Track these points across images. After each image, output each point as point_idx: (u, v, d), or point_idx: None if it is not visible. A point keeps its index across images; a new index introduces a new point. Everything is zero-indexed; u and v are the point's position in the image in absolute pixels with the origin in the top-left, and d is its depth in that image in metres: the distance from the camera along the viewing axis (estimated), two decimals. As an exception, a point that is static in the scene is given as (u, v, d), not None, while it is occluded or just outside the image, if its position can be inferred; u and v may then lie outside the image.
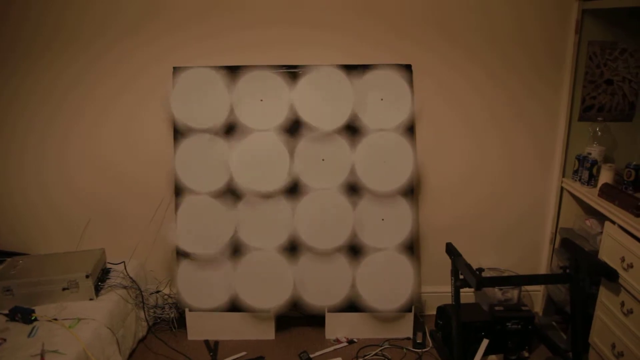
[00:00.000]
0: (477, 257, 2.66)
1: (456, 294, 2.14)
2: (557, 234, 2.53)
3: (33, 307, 2.03)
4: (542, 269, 2.67)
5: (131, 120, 2.47)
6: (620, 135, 2.46)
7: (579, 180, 2.41)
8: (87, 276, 2.10)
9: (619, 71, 2.41)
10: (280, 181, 2.34)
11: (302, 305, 2.41)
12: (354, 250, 2.40)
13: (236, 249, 2.40)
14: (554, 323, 2.55)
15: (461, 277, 2.13)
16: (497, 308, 2.32)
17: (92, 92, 2.43)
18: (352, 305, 2.42)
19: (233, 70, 2.35)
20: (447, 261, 2.57)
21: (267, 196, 2.36)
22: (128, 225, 2.57)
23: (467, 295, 2.63)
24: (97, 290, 2.17)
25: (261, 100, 2.35)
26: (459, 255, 2.14)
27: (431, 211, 2.58)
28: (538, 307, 2.69)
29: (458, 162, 2.55)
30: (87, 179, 2.53)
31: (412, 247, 2.42)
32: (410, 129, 2.37)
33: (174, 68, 2.36)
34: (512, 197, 2.60)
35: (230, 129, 2.36)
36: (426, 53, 2.39)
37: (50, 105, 2.44)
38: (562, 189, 2.51)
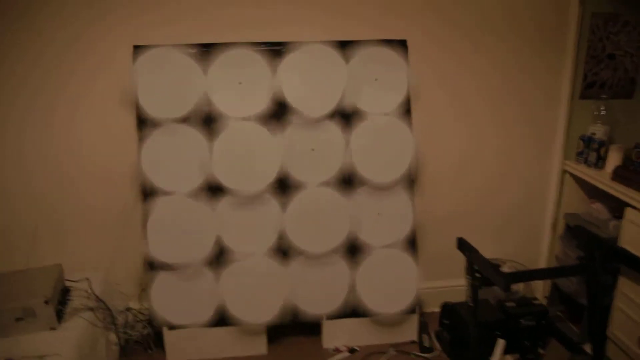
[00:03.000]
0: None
1: (474, 294, 1.95)
2: (562, 219, 2.39)
3: (-21, 345, 1.66)
4: (543, 257, 2.53)
5: (86, 111, 2.09)
6: (620, 113, 2.34)
7: (585, 162, 2.27)
8: (46, 302, 1.73)
9: (621, 45, 2.27)
10: (267, 176, 2.05)
11: (296, 314, 2.15)
12: (352, 250, 2.16)
13: (220, 256, 2.10)
14: (559, 314, 2.43)
15: (477, 275, 1.94)
16: (508, 304, 2.15)
17: (42, 81, 2.04)
18: (351, 311, 2.18)
19: (205, 49, 2.03)
20: (446, 254, 2.39)
21: (253, 194, 2.07)
22: (85, 233, 2.20)
23: (461, 289, 2.46)
24: (59, 316, 1.80)
25: (240, 83, 2.04)
26: (475, 251, 1.95)
27: (426, 200, 2.37)
28: (539, 296, 2.56)
29: (453, 146, 2.36)
30: (34, 180, 2.13)
31: (413, 243, 2.20)
32: (406, 112, 2.14)
33: (135, 47, 2.00)
34: (509, 182, 2.43)
35: (206, 118, 2.04)
36: (418, 30, 2.16)
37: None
38: (563, 172, 2.37)
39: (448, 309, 2.25)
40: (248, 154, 2.04)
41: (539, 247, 2.54)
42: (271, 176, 2.05)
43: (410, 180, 2.16)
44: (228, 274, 2.08)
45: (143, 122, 2.02)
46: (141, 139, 2.02)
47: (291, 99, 2.05)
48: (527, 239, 2.53)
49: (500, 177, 2.42)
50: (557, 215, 2.42)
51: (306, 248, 2.10)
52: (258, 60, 2.03)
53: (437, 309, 2.39)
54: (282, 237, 2.10)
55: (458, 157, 2.36)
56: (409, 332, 2.27)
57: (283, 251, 2.12)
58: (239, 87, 2.03)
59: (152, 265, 2.06)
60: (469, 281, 1.95)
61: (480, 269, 1.91)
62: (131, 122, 2.08)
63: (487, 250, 2.55)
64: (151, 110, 1.99)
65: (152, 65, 1.98)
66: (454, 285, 2.48)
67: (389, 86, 2.10)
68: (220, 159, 2.03)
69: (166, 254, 2.05)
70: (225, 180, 2.03)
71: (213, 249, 2.07)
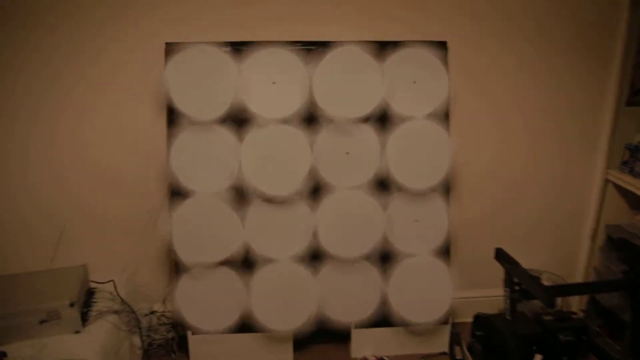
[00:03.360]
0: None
1: (512, 308, 1.86)
2: (603, 230, 2.29)
3: (2, 348, 1.62)
4: (581, 269, 2.43)
5: (118, 111, 2.04)
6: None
7: (630, 172, 2.17)
8: (71, 304, 1.68)
9: (671, 50, 2.17)
10: (299, 180, 1.98)
11: (325, 322, 2.08)
12: (385, 257, 2.08)
13: (247, 260, 2.04)
14: (597, 329, 2.33)
15: (517, 287, 1.85)
16: (546, 317, 2.06)
17: (74, 85, 2.00)
18: (381, 320, 2.11)
19: (239, 47, 1.96)
20: (479, 263, 2.31)
21: (283, 197, 2.00)
22: (112, 233, 2.14)
23: (495, 299, 2.37)
24: (84, 319, 1.76)
25: (274, 84, 1.97)
26: (515, 262, 1.86)
27: (460, 207, 2.28)
28: (575, 309, 2.47)
29: (490, 152, 2.27)
30: (63, 180, 2.08)
31: (448, 251, 2.12)
32: (444, 116, 2.06)
33: (167, 44, 1.94)
34: (547, 190, 2.33)
35: (237, 118, 1.98)
36: (457, 32, 2.08)
37: (31, 102, 2.00)
38: (606, 181, 2.27)
39: (482, 320, 2.16)
40: (280, 155, 1.97)
41: (577, 259, 2.44)
42: (303, 179, 1.98)
43: (446, 187, 2.08)
44: (255, 279, 2.02)
45: (174, 122, 1.96)
46: (171, 139, 1.96)
47: (326, 101, 1.97)
48: (564, 250, 2.43)
49: (537, 186, 2.33)
50: (598, 226, 2.32)
51: (338, 253, 2.03)
52: (293, 60, 1.96)
53: (468, 319, 2.30)
54: (312, 242, 2.03)
55: (495, 164, 2.27)
56: (440, 343, 2.19)
57: (313, 256, 2.05)
58: (272, 87, 1.97)
59: (177, 268, 2.01)
60: (507, 294, 1.87)
61: (521, 282, 1.83)
62: (160, 122, 2.02)
63: (522, 260, 2.46)
64: (184, 109, 1.93)
65: (185, 63, 1.92)
66: (487, 295, 2.40)
67: (428, 89, 2.02)
68: (250, 160, 1.97)
69: (192, 257, 1.99)
70: (255, 182, 1.97)
71: (241, 253, 2.01)
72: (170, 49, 1.93)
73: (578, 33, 2.15)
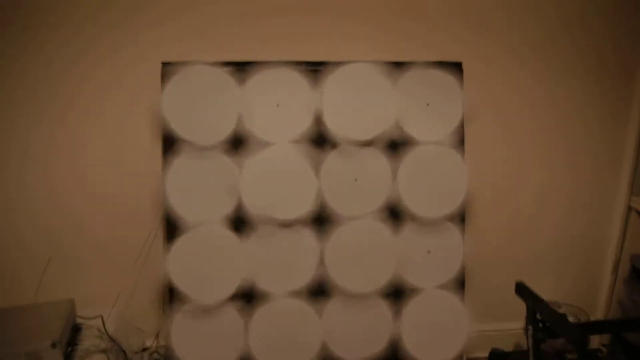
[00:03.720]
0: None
1: (536, 348, 1.71)
2: (627, 261, 2.16)
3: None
4: (602, 301, 2.29)
5: (113, 132, 1.91)
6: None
7: (655, 199, 2.05)
8: (53, 345, 1.53)
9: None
10: (304, 207, 1.84)
11: (330, 361, 1.93)
12: (396, 291, 1.94)
13: (248, 295, 1.89)
14: (622, 367, 2.18)
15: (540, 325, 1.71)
16: (569, 356, 1.92)
17: (67, 106, 1.87)
18: (391, 358, 1.96)
19: (240, 68, 1.84)
20: (492, 294, 2.18)
21: (287, 226, 1.86)
22: (103, 264, 1.99)
23: (510, 333, 2.23)
24: (68, 361, 1.61)
25: (277, 106, 1.85)
26: (538, 298, 1.72)
27: (473, 236, 2.14)
28: (595, 344, 2.32)
29: (505, 179, 2.14)
30: (50, 207, 1.94)
31: (463, 284, 1.98)
32: (459, 141, 1.93)
33: (163, 64, 1.82)
34: (566, 218, 2.21)
35: (238, 142, 1.85)
36: (474, 53, 1.97)
37: (22, 123, 1.87)
38: (629, 209, 2.14)
39: (498, 358, 2.02)
40: (283, 182, 1.84)
41: (598, 290, 2.30)
42: (308, 206, 1.84)
43: (461, 216, 1.94)
44: (256, 317, 1.87)
45: (169, 147, 1.83)
46: (167, 164, 1.83)
47: (333, 123, 1.85)
48: (584, 281, 2.29)
49: (554, 214, 2.20)
50: (620, 256, 2.18)
51: (346, 287, 1.88)
52: (298, 81, 1.84)
53: (481, 354, 2.15)
54: (318, 276, 1.89)
55: (510, 191, 2.14)
56: (454, 383, 2.04)
57: (319, 291, 1.91)
58: (276, 110, 1.84)
59: (172, 302, 1.86)
60: (529, 332, 1.72)
61: (545, 320, 1.68)
62: (156, 145, 1.90)
63: (539, 291, 2.33)
64: (181, 133, 1.80)
65: (183, 84, 1.79)
66: (501, 329, 2.25)
67: (442, 112, 1.90)
68: (251, 187, 1.83)
69: (189, 290, 1.85)
70: (256, 210, 1.83)
71: (241, 287, 1.87)
72: (167, 69, 1.81)
73: (598, 58, 2.05)
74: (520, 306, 2.23)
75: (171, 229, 1.84)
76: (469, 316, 1.95)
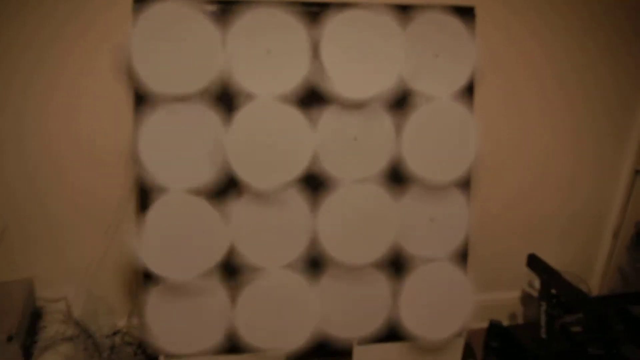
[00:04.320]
0: (520, 253, 2.15)
1: (550, 325, 1.60)
2: (632, 227, 2.06)
3: None
4: (599, 267, 2.21)
5: (75, 86, 1.62)
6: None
7: (666, 163, 1.95)
8: (9, 338, 1.30)
9: None
10: (297, 169, 1.63)
11: (324, 339, 1.76)
12: (396, 263, 1.78)
13: (233, 269, 1.68)
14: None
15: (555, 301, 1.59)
16: (574, 329, 1.82)
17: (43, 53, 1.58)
18: (387, 334, 1.82)
19: (225, 7, 1.57)
20: (490, 263, 2.07)
21: (277, 191, 1.65)
22: (66, 237, 1.73)
23: (505, 303, 2.14)
24: (28, 354, 1.37)
25: (268, 53, 1.60)
26: (554, 271, 1.59)
27: (475, 203, 2.00)
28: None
29: (511, 138, 1.98)
30: (5, 168, 1.66)
31: (465, 255, 1.83)
32: (469, 97, 1.74)
33: (135, 2, 1.52)
34: (567, 184, 2.08)
35: (223, 95, 1.60)
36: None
37: None
38: (636, 172, 2.03)
39: (498, 331, 1.91)
40: (274, 141, 1.61)
41: (596, 256, 2.21)
42: (301, 169, 1.63)
43: (467, 180, 1.78)
44: (243, 293, 1.67)
45: (142, 99, 1.56)
46: (138, 121, 1.56)
47: (332, 75, 1.62)
48: (582, 247, 2.20)
49: (558, 180, 2.07)
50: (622, 222, 2.09)
51: (342, 259, 1.70)
52: (292, 25, 1.58)
53: (479, 325, 2.05)
54: (311, 247, 1.70)
55: (512, 157, 1.99)
56: (453, 356, 1.92)
57: (312, 264, 1.72)
58: (266, 58, 1.59)
59: (147, 277, 1.64)
60: (543, 308, 1.60)
61: (561, 295, 1.56)
62: (127, 100, 1.62)
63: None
64: (153, 83, 1.52)
65: (156, 25, 1.51)
66: (499, 298, 2.15)
67: (452, 64, 1.69)
68: (238, 147, 1.59)
69: (166, 265, 1.62)
70: (243, 174, 1.60)
71: (225, 260, 1.66)
72: (139, 7, 1.52)
73: (625, 18, 1.89)
74: (516, 275, 2.13)
75: (145, 195, 1.60)
76: (472, 289, 1.81)
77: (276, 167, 1.62)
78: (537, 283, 1.97)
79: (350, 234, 1.69)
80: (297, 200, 1.66)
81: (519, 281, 2.15)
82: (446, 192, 1.76)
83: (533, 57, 1.90)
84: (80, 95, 1.63)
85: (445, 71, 1.69)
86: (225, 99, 1.59)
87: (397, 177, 1.72)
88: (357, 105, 1.65)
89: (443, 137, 1.70)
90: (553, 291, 1.59)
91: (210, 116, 1.59)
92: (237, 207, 1.64)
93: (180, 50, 1.53)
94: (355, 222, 1.69)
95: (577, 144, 2.04)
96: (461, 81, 1.70)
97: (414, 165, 1.69)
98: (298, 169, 1.62)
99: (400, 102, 1.68)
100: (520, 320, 2.20)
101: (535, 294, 1.96)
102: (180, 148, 1.59)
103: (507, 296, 2.15)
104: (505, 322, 2.10)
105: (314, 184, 1.67)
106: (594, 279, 2.24)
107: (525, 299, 2.11)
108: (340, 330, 1.77)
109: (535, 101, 1.95)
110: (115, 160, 1.68)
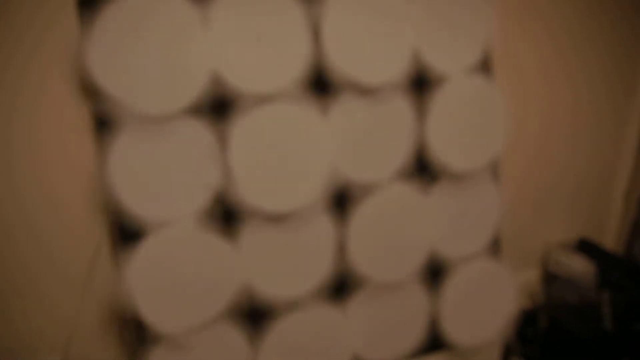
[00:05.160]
0: (532, 229, 2.00)
1: (614, 316, 1.43)
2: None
3: None
4: (610, 233, 2.10)
5: (32, 117, 1.21)
6: None
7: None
8: None
9: None
10: (312, 180, 1.34)
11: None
12: (431, 269, 1.54)
13: (249, 311, 1.37)
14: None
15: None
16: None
17: None
18: (428, 346, 1.59)
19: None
20: (505, 243, 1.91)
21: (291, 211, 1.34)
22: (36, 296, 1.33)
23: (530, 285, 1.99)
24: None
25: (258, 40, 1.27)
26: (612, 255, 1.42)
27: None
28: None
29: (532, 111, 1.80)
30: None
31: (498, 244, 1.64)
32: (489, 70, 1.52)
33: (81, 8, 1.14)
34: (580, 145, 1.94)
35: (212, 101, 1.26)
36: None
37: None
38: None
39: (534, 316, 1.75)
40: (280, 149, 1.31)
41: (607, 219, 2.10)
42: (318, 180, 1.34)
43: (496, 164, 1.57)
44: (265, 339, 1.37)
45: (105, 119, 1.19)
46: (104, 144, 1.20)
47: (338, 60, 1.32)
48: (594, 214, 2.08)
49: (564, 146, 1.92)
50: (633, 185, 1.99)
51: (376, 276, 1.44)
52: (286, 3, 1.27)
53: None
54: (338, 269, 1.42)
55: (535, 123, 1.80)
56: (490, 354, 1.74)
57: (339, 287, 1.45)
58: (257, 46, 1.27)
59: (143, 335, 1.29)
60: (605, 298, 1.44)
61: (623, 281, 1.40)
62: (85, 117, 1.24)
63: (554, 231, 2.09)
64: (122, 94, 1.16)
65: (115, 27, 1.14)
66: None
67: (469, 33, 1.45)
68: (238, 163, 1.28)
69: (163, 319, 1.29)
70: (248, 195, 1.29)
71: (236, 300, 1.35)
72: (87, 5, 1.14)
73: None
74: (530, 252, 1.99)
75: (125, 235, 1.25)
76: (513, 282, 1.62)
77: (285, 179, 1.32)
78: (565, 261, 1.83)
79: (382, 246, 1.43)
80: (318, 216, 1.37)
81: (532, 258, 2.01)
82: (475, 180, 1.54)
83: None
84: (40, 128, 1.23)
85: (462, 41, 1.45)
86: (214, 105, 1.26)
87: (423, 170, 1.47)
88: (369, 92, 1.37)
89: (470, 117, 1.47)
90: (613, 277, 1.43)
91: (197, 129, 1.25)
92: (246, 235, 1.33)
93: (153, 48, 1.17)
94: (387, 230, 1.43)
95: (578, 105, 1.89)
96: (476, 53, 1.46)
97: (441, 153, 1.45)
98: (313, 177, 1.33)
99: (419, 84, 1.42)
100: (540, 301, 2.07)
101: (564, 274, 1.81)
102: (161, 173, 1.25)
103: (523, 277, 2.00)
104: (527, 304, 1.96)
105: (334, 193, 1.39)
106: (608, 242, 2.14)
107: (549, 278, 1.96)
108: (376, 354, 1.52)
109: (555, 68, 1.77)
110: (80, 197, 1.30)
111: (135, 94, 1.17)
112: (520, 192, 1.93)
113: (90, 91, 1.17)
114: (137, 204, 1.22)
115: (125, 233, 1.24)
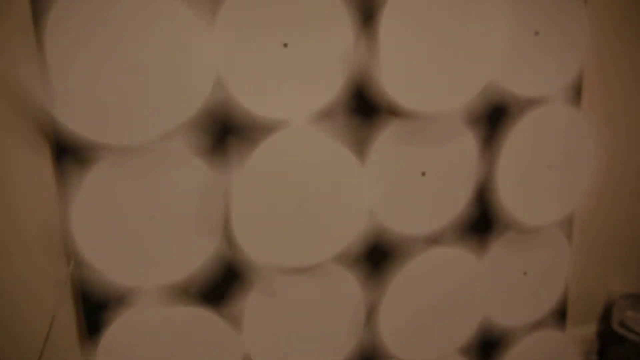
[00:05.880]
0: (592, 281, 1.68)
1: None
2: None
3: None
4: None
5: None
6: None
7: None
8: None
9: None
10: (347, 235, 1.01)
11: None
12: (482, 343, 1.23)
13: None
14: None
15: None
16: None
17: None
18: None
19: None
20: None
21: (312, 269, 1.03)
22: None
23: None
24: None
25: (285, 46, 0.93)
26: None
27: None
28: None
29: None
30: None
31: (564, 312, 1.32)
32: (575, 95, 1.18)
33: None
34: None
35: (214, 124, 0.93)
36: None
37: None
38: None
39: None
40: (305, 193, 0.98)
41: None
42: (355, 233, 1.01)
43: (574, 213, 1.24)
44: None
45: (67, 153, 0.87)
46: (67, 187, 0.87)
47: (388, 82, 0.98)
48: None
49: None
50: None
51: (412, 357, 1.13)
52: (324, 4, 0.92)
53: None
54: (365, 344, 1.11)
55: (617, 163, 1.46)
56: None
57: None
58: (282, 53, 0.93)
59: None
60: None
61: None
62: (43, 155, 0.91)
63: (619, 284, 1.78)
64: (87, 127, 0.83)
65: (79, 16, 0.81)
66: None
67: (557, 46, 1.11)
68: (245, 212, 0.95)
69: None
70: (256, 254, 0.97)
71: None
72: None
73: None
74: (588, 308, 1.69)
75: (91, 307, 0.93)
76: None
77: (308, 233, 0.99)
78: (629, 321, 1.52)
79: (422, 321, 1.11)
80: (344, 278, 1.05)
81: (591, 314, 1.70)
82: (542, 235, 1.22)
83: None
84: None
85: (548, 55, 1.10)
86: (219, 131, 0.93)
87: (483, 223, 1.15)
88: (425, 124, 1.04)
89: (549, 158, 1.14)
90: None
91: (193, 163, 0.92)
92: (250, 303, 1.01)
93: (134, 57, 0.83)
94: (429, 297, 1.12)
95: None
96: (570, 74, 1.12)
97: (512, 203, 1.12)
98: (350, 234, 1.00)
99: (490, 112, 1.09)
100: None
101: (630, 335, 1.51)
102: (143, 222, 0.92)
103: (578, 332, 1.70)
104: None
105: (369, 251, 1.07)
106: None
107: (608, 336, 1.66)
108: None
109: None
110: (36, 255, 0.98)
111: (102, 121, 0.83)
112: (591, 243, 1.60)
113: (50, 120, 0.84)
114: (106, 264, 0.90)
115: (92, 302, 0.92)
